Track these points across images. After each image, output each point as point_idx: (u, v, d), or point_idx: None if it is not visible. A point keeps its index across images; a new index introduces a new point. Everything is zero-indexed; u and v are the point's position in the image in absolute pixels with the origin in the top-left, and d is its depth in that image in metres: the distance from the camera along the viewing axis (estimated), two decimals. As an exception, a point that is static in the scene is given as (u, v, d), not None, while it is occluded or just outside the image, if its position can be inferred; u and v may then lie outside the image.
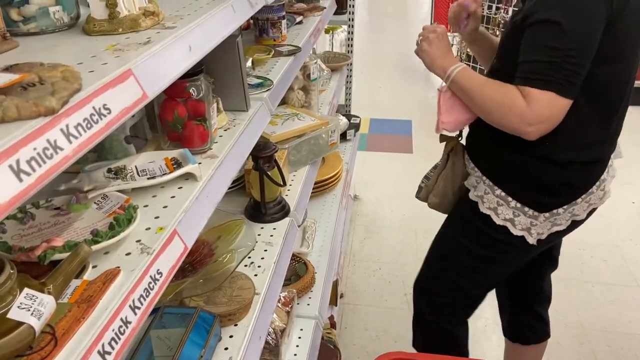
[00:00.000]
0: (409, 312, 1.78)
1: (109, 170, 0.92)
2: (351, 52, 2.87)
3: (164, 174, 0.93)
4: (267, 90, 1.38)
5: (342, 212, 2.23)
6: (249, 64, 1.48)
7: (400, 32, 8.06)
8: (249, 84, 1.40)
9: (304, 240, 1.89)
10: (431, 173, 1.65)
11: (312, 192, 1.95)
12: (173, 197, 0.90)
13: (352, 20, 2.78)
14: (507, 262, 1.54)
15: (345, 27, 2.96)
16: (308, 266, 1.74)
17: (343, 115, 2.84)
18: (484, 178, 1.43)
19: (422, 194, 1.64)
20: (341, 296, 2.67)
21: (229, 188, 1.57)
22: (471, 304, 1.66)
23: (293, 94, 1.91)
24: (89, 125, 0.55)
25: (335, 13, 2.77)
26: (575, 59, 1.17)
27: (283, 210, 1.45)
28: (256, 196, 1.43)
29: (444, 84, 1.41)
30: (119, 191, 0.88)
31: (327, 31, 3.26)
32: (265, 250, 1.34)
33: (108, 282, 0.68)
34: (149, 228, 0.81)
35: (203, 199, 0.91)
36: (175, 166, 0.95)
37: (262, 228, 1.42)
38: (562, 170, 1.34)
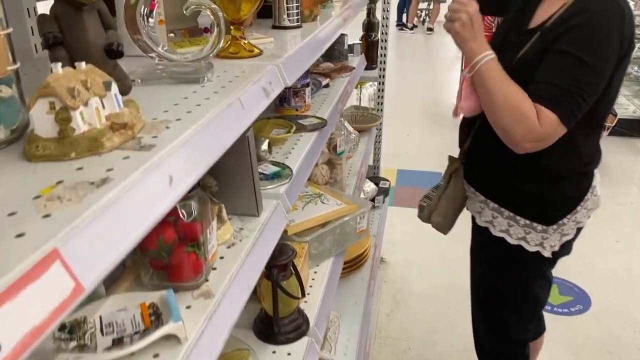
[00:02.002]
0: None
1: (62, 328, 0.67)
2: (381, 110, 2.64)
3: (136, 333, 0.68)
4: (284, 183, 1.13)
5: (371, 299, 1.95)
6: (264, 147, 1.25)
7: (428, 76, 7.87)
8: (262, 174, 1.16)
9: (326, 341, 1.61)
10: (432, 193, 1.71)
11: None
12: (144, 373, 0.64)
13: (383, 77, 2.56)
14: (535, 276, 1.58)
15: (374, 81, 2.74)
16: (329, 380, 1.45)
17: (370, 178, 2.59)
18: (488, 202, 1.51)
19: (425, 213, 1.70)
20: (366, 384, 2.35)
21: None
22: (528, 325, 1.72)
23: (317, 170, 1.66)
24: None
25: (365, 68, 2.55)
26: (587, 94, 1.26)
27: (300, 329, 1.18)
28: (268, 309, 1.17)
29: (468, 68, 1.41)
30: (69, 364, 0.63)
31: (355, 86, 3.06)
32: (277, 388, 1.07)
33: None
34: None
35: (187, 372, 0.65)
36: (152, 318, 0.70)
37: (274, 352, 1.15)
38: (561, 185, 1.45)
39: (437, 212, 1.65)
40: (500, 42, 1.43)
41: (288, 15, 1.39)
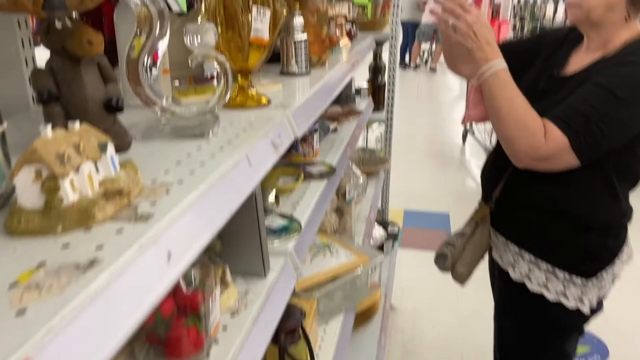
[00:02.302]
0: None
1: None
2: (389, 152, 2.59)
3: None
4: (293, 238, 1.06)
5: (382, 354, 1.84)
6: (271, 197, 1.19)
7: (432, 115, 7.88)
8: (269, 228, 1.09)
9: (335, 403, 1.49)
10: (456, 240, 1.57)
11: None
12: None
13: (391, 119, 2.53)
14: (570, 334, 1.49)
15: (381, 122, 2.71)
16: None
17: (379, 222, 2.51)
18: (524, 253, 1.41)
19: (448, 262, 1.56)
20: None
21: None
22: None
23: (325, 218, 1.59)
24: None
25: (372, 110, 2.52)
26: (608, 128, 1.18)
27: (309, 398, 1.08)
28: (274, 376, 1.08)
29: (476, 76, 1.32)
30: None
31: (361, 128, 3.02)
32: None
33: None
34: None
35: None
36: (147, 406, 0.62)
37: None
38: (603, 237, 1.37)
39: (462, 261, 1.51)
40: (528, 89, 1.33)
41: (296, 61, 1.36)
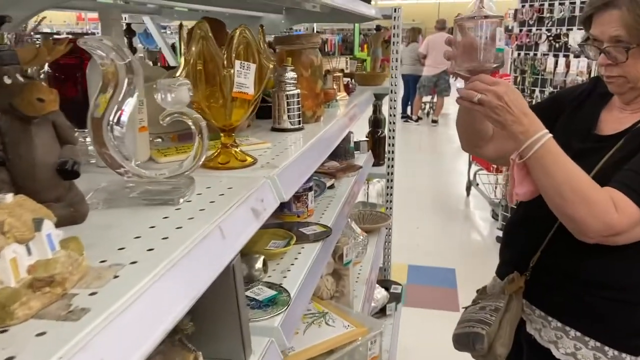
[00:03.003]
0: None
1: None
2: (390, 208, 2.49)
3: None
4: (280, 312, 0.95)
5: None
6: (259, 264, 1.08)
7: (434, 167, 7.84)
8: (254, 300, 0.98)
9: None
10: (489, 317, 1.36)
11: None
12: None
13: (392, 174, 2.44)
14: None
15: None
16: None
17: (380, 282, 2.38)
18: (568, 329, 1.28)
19: (485, 345, 1.33)
20: None
21: None
22: None
23: (320, 282, 1.48)
24: None
25: (373, 165, 2.44)
26: None
27: None
28: None
29: (518, 152, 1.18)
30: None
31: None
32: None
33: None
34: None
35: None
36: None
37: None
38: None
39: (501, 341, 1.31)
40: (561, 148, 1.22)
41: (289, 116, 1.29)
